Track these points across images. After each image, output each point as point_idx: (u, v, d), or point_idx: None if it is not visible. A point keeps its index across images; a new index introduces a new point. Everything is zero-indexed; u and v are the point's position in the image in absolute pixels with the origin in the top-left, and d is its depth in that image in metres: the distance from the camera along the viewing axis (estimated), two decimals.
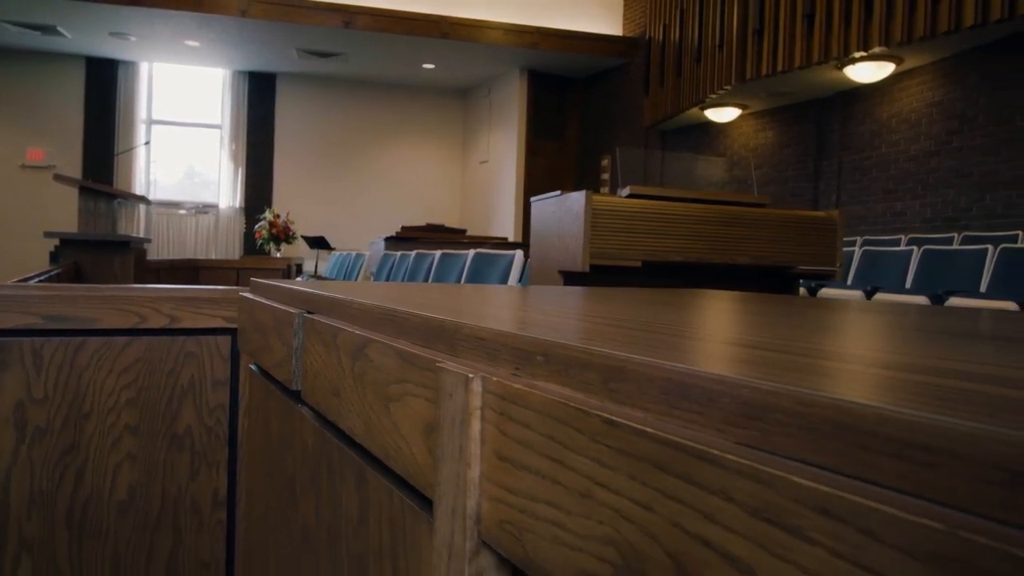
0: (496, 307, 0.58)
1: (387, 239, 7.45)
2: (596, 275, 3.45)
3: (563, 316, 0.51)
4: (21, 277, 3.17)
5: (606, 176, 10.44)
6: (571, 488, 0.28)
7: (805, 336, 0.43)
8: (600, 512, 0.26)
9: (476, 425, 0.35)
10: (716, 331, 0.44)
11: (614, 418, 0.26)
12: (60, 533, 1.70)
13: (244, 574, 1.83)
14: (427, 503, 0.41)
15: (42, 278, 3.25)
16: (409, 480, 0.44)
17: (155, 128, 11.36)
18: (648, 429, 0.24)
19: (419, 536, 0.43)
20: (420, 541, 0.42)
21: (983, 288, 4.24)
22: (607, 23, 10.14)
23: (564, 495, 0.29)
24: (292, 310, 0.73)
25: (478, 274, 3.47)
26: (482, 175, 11.74)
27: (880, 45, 5.96)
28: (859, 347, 0.42)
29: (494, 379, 0.34)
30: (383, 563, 0.50)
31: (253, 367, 1.01)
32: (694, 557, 0.22)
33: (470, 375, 0.35)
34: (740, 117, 8.46)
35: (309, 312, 0.70)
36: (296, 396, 0.73)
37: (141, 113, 11.12)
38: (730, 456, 0.21)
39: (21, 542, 1.67)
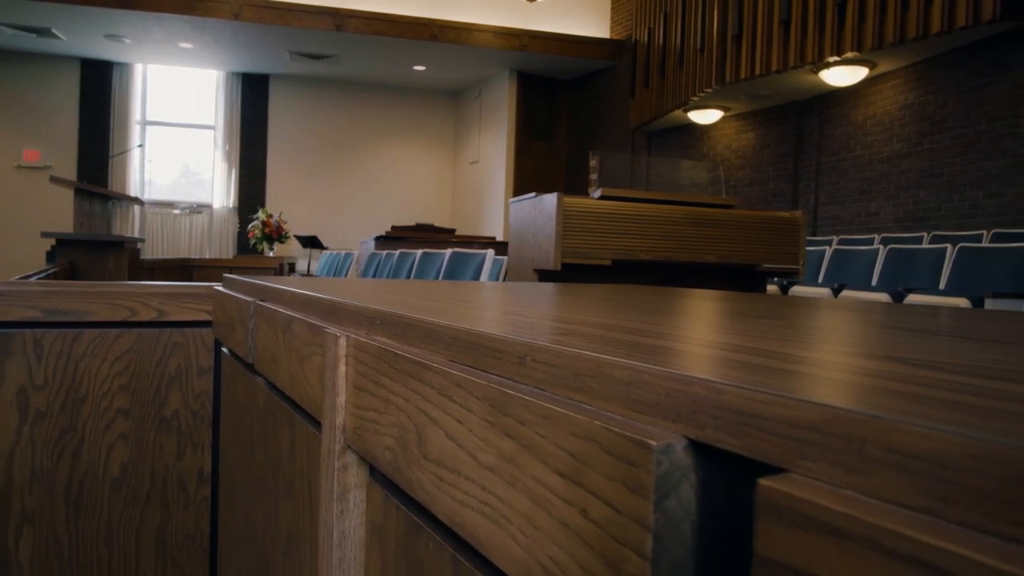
0: (385, 292, 0.76)
1: (377, 238, 7.60)
2: (568, 273, 3.63)
3: (418, 298, 0.69)
4: (21, 275, 3.33)
5: (594, 176, 10.61)
6: (381, 398, 0.46)
7: (526, 303, 0.61)
8: (390, 408, 0.44)
9: (342, 367, 0.53)
10: (494, 303, 0.63)
11: (398, 353, 0.44)
12: (59, 507, 1.86)
13: (225, 545, 1.99)
14: (320, 426, 0.59)
15: (40, 276, 3.42)
16: (313, 414, 0.62)
17: (149, 129, 11.51)
18: (409, 356, 0.42)
19: (318, 451, 0.61)
20: (318, 455, 0.60)
21: (942, 285, 4.44)
22: (595, 26, 10.32)
23: (378, 403, 0.46)
24: (249, 299, 0.91)
25: (454, 271, 3.66)
26: (473, 175, 11.92)
27: (852, 50, 6.15)
28: (530, 306, 0.60)
29: (353, 337, 0.52)
30: (303, 481, 0.68)
31: (225, 350, 1.19)
32: (422, 423, 0.40)
33: (339, 335, 0.53)
34: (722, 119, 8.65)
35: (261, 300, 0.88)
36: (251, 368, 0.91)
37: (136, 114, 11.27)
38: (434, 364, 0.39)
39: (23, 514, 1.83)
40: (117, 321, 1.81)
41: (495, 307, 0.59)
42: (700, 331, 0.44)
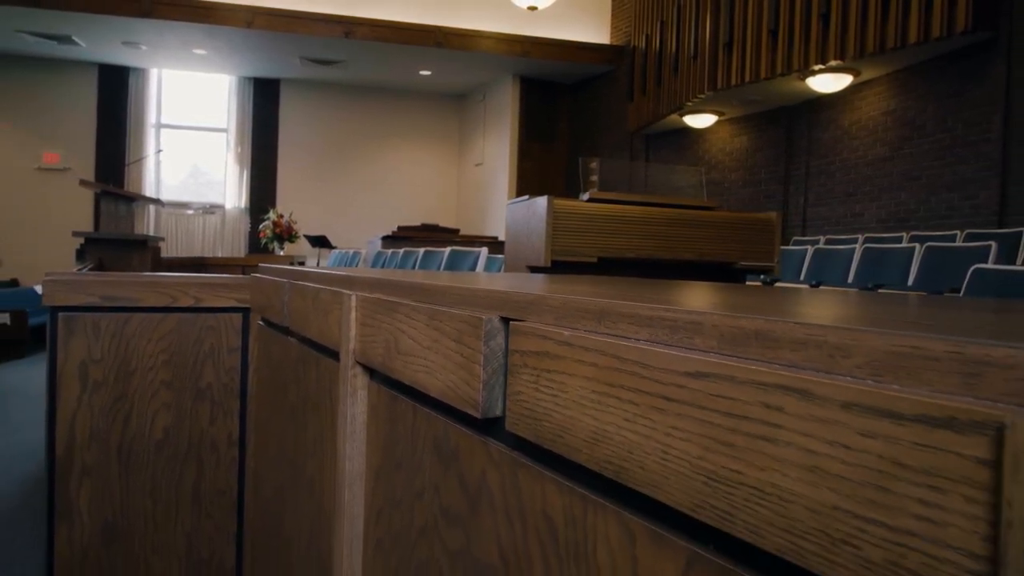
0: (383, 272, 1.10)
1: (384, 238, 7.93)
2: (557, 270, 3.96)
3: (403, 274, 1.02)
4: (70, 271, 3.68)
5: (595, 178, 10.93)
6: (376, 328, 0.79)
7: (469, 276, 0.95)
8: (381, 332, 0.77)
9: (353, 315, 0.86)
10: (450, 277, 0.96)
11: (386, 299, 0.77)
12: (112, 463, 2.19)
13: (253, 498, 2.33)
14: (338, 357, 0.92)
15: (83, 272, 3.76)
16: (334, 349, 0.95)
17: (164, 131, 11.90)
18: (392, 300, 0.75)
19: (337, 374, 0.94)
20: (337, 376, 0.94)
21: (910, 282, 4.74)
22: (595, 32, 10.64)
23: (374, 331, 0.80)
24: (283, 280, 1.25)
25: (452, 267, 3.99)
26: (477, 176, 12.25)
27: (836, 58, 6.46)
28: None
29: (361, 295, 0.86)
30: (327, 400, 1.01)
31: (261, 321, 1.53)
32: (397, 335, 0.73)
33: (350, 294, 0.86)
34: (717, 123, 8.96)
35: (293, 280, 1.21)
36: (286, 330, 1.25)
37: (151, 117, 11.66)
38: (404, 302, 0.72)
39: (83, 469, 2.17)
40: (161, 307, 2.15)
41: (448, 278, 0.93)
42: (551, 286, 0.77)
